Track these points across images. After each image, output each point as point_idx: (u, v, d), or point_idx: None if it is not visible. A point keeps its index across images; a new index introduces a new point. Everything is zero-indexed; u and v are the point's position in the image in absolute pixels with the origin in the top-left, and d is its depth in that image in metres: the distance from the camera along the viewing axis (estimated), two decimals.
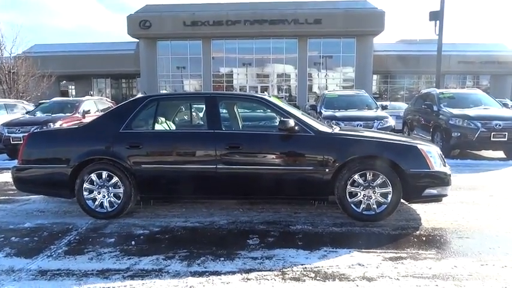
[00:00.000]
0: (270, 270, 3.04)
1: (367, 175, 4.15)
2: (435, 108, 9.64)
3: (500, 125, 8.27)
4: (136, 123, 4.60)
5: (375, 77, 32.30)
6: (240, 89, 30.13)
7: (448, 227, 4.07)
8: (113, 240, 3.78)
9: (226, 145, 4.27)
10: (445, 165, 4.33)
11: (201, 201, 5.01)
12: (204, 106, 4.75)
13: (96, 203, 4.42)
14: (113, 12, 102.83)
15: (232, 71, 31.20)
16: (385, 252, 3.39)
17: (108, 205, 4.42)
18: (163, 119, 5.13)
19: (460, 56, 29.18)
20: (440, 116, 9.32)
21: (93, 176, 4.39)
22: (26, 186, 4.72)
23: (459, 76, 33.31)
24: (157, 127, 4.81)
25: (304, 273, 3.00)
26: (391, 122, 9.60)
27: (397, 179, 4.08)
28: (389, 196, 4.12)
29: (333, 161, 4.15)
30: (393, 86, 34.05)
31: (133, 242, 3.69)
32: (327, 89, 26.46)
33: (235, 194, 4.55)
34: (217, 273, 3.01)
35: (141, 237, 3.86)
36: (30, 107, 13.54)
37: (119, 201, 4.40)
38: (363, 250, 3.43)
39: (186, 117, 6.56)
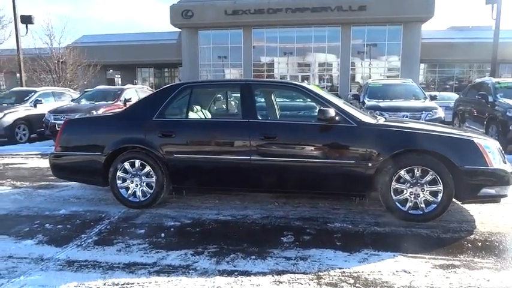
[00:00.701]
0: (304, 273, 2.79)
1: (415, 171, 3.77)
2: (490, 99, 8.87)
3: None
4: (169, 111, 4.47)
5: (421, 66, 30.63)
6: (280, 78, 29.70)
7: (507, 231, 3.62)
8: (143, 231, 3.68)
9: (261, 135, 4.03)
10: (505, 162, 3.86)
11: (236, 193, 4.83)
12: (238, 94, 4.52)
13: (129, 192, 4.35)
14: (158, 2, 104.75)
15: (273, 60, 30.78)
16: (434, 258, 3.03)
17: (140, 194, 4.34)
18: (197, 107, 4.97)
19: None
20: (496, 107, 8.55)
21: (126, 165, 4.32)
22: (62, 173, 4.75)
23: None
24: (191, 115, 4.66)
25: (342, 278, 2.72)
26: (441, 113, 8.91)
27: (449, 177, 3.67)
28: (440, 195, 3.72)
29: (376, 155, 3.81)
30: (441, 75, 32.21)
31: (163, 234, 3.57)
32: (370, 79, 25.47)
33: (269, 187, 4.31)
34: (247, 273, 2.80)
35: (172, 229, 3.73)
36: (76, 94, 13.95)
37: (152, 191, 4.30)
38: (409, 255, 3.08)
39: (222, 106, 6.39)
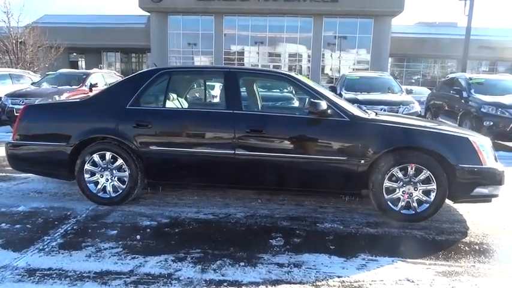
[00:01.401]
0: (300, 283, 2.52)
1: (409, 169, 3.58)
2: (465, 94, 8.94)
3: None
4: (145, 99, 4.07)
5: (389, 59, 31.14)
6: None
7: (500, 232, 3.53)
8: (115, 232, 3.29)
9: (247, 128, 3.72)
10: (496, 161, 3.75)
11: (215, 188, 4.49)
12: (221, 83, 4.17)
13: (99, 186, 3.94)
14: None
15: (243, 49, 30.24)
16: (435, 263, 2.85)
17: (111, 190, 3.93)
18: (175, 96, 4.58)
19: (481, 40, 27.84)
20: (470, 103, 8.64)
21: (96, 157, 3.89)
22: (21, 164, 4.24)
23: (476, 62, 31.89)
24: (169, 104, 4.27)
25: None
26: (417, 107, 8.94)
27: (444, 175, 3.52)
28: (433, 194, 3.57)
29: (369, 151, 3.60)
30: (408, 69, 32.91)
31: (138, 236, 3.20)
32: (339, 71, 25.52)
33: (254, 184, 4.03)
34: (237, 283, 2.50)
35: (148, 230, 3.37)
36: (37, 78, 13.04)
37: (124, 186, 3.90)
38: (408, 260, 2.89)
39: (203, 95, 5.98)
